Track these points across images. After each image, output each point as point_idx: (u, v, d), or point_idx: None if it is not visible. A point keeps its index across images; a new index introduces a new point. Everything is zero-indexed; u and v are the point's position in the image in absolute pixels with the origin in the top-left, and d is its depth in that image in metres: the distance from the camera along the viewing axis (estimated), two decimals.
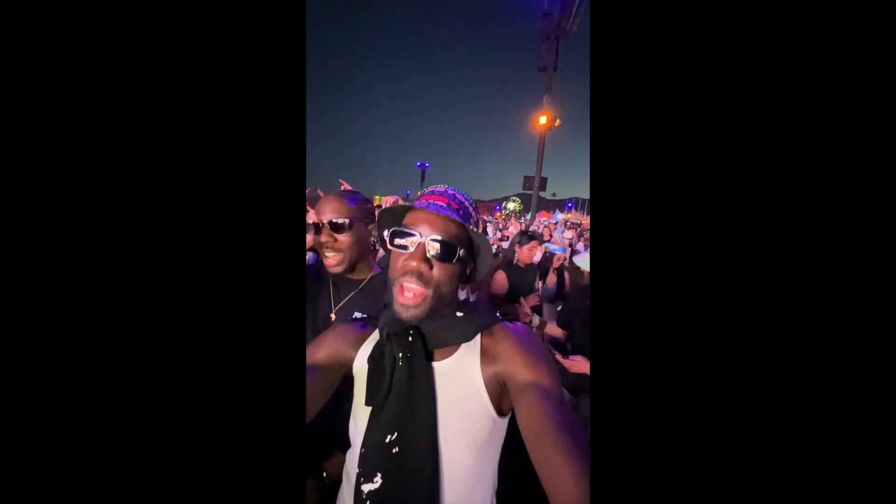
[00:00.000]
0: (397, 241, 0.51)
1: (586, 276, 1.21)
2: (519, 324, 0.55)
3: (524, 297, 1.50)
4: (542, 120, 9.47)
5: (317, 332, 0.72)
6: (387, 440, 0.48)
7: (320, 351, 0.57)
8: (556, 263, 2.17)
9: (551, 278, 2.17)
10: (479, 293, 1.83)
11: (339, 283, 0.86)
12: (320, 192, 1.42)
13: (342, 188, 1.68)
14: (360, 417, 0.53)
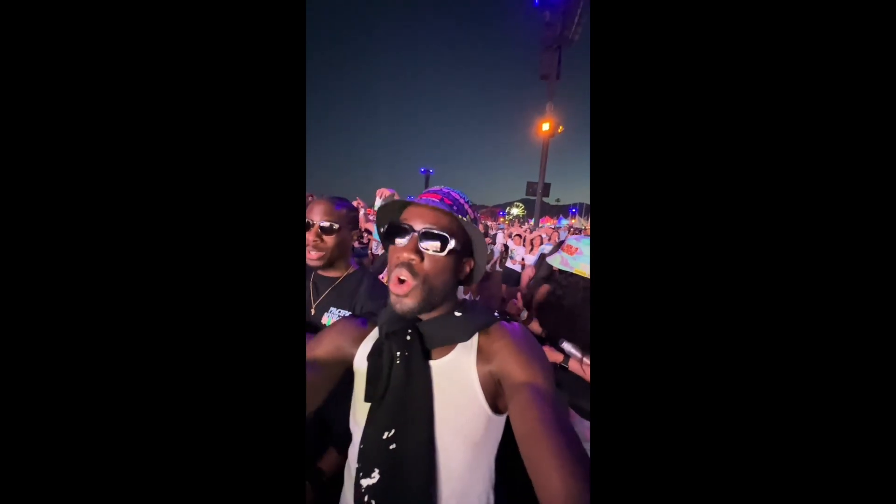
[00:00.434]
0: (392, 235, 0.53)
1: (556, 270, 1.23)
2: (516, 324, 0.56)
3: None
4: (545, 126, 9.54)
5: None
6: (384, 436, 0.49)
7: (321, 347, 0.59)
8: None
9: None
10: (482, 297, 1.83)
11: (316, 281, 0.94)
12: (309, 197, 1.50)
13: (355, 204, 1.72)
14: (359, 413, 0.54)
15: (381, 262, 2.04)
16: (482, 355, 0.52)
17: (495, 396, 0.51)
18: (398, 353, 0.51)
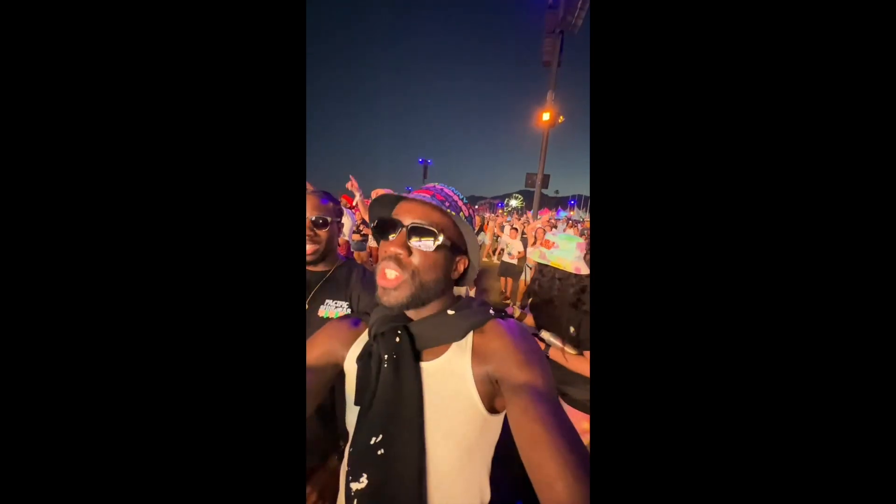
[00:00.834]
0: (382, 230, 0.52)
1: (533, 266, 1.31)
2: (512, 321, 0.54)
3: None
4: (546, 116, 9.37)
5: None
6: (372, 441, 0.48)
7: (313, 350, 0.58)
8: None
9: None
10: (477, 290, 1.86)
11: (307, 276, 0.95)
12: (309, 186, 1.48)
13: (349, 183, 1.72)
14: (350, 416, 0.54)
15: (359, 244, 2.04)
16: (477, 355, 0.50)
17: (492, 396, 0.50)
18: (386, 357, 0.50)
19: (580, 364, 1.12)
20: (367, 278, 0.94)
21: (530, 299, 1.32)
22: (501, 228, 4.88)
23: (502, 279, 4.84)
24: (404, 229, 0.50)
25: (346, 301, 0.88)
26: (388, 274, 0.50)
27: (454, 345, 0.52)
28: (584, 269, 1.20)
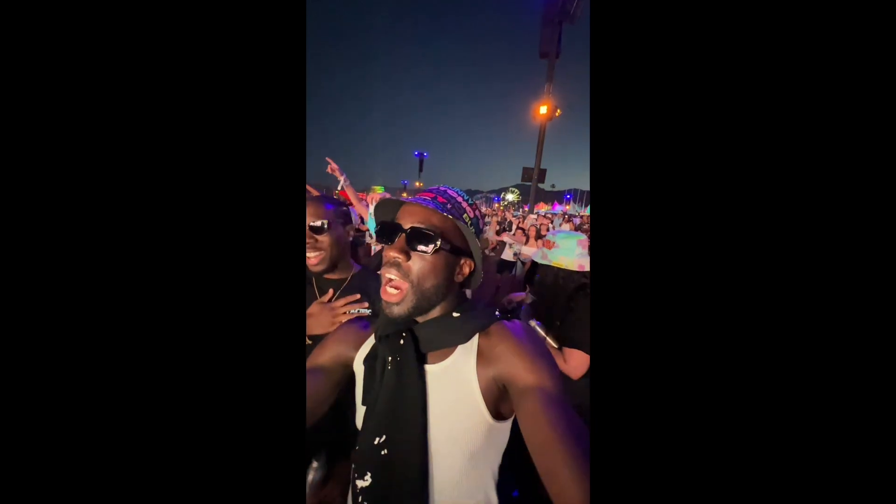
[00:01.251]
0: (383, 235, 0.51)
1: (527, 261, 1.36)
2: (517, 322, 0.52)
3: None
4: (543, 109, 9.30)
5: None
6: (375, 442, 0.48)
7: (324, 353, 0.58)
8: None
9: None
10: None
11: (320, 285, 0.90)
12: (311, 190, 1.45)
13: (329, 168, 1.67)
14: (359, 415, 0.54)
15: (378, 261, 2.01)
16: (483, 358, 0.49)
17: (498, 401, 0.49)
18: (389, 359, 0.50)
19: (557, 357, 1.14)
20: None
21: (522, 305, 1.32)
22: (508, 226, 4.86)
23: (499, 275, 4.87)
24: (404, 234, 0.49)
25: (368, 311, 0.84)
26: (389, 287, 0.49)
27: (459, 348, 0.50)
28: (588, 266, 1.18)
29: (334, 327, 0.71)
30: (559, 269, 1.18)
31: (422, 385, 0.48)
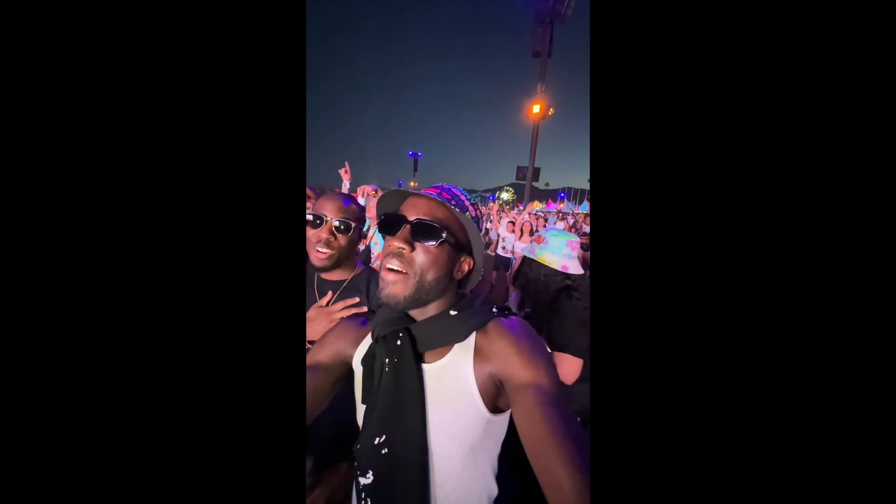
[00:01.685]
0: (387, 226, 0.51)
1: (518, 258, 1.35)
2: (514, 318, 0.53)
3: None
4: (536, 108, 9.35)
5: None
6: (376, 442, 0.49)
7: (323, 350, 0.58)
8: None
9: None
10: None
11: (321, 286, 0.87)
12: (309, 191, 1.43)
13: (343, 170, 1.63)
14: (359, 413, 0.55)
15: (366, 254, 1.99)
16: (480, 356, 0.49)
17: (495, 397, 0.50)
18: (387, 360, 0.50)
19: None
20: None
21: (512, 294, 1.31)
22: (499, 221, 4.87)
23: (494, 272, 4.88)
24: (408, 225, 0.49)
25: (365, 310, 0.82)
26: (390, 269, 0.49)
27: (456, 346, 0.51)
28: (573, 269, 1.17)
29: None
30: (543, 266, 1.17)
31: (420, 385, 0.48)
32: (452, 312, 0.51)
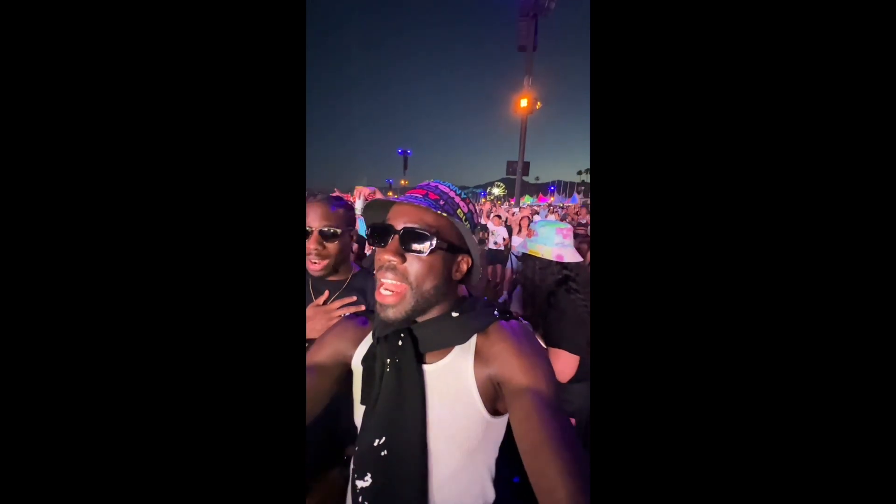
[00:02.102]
0: (375, 237, 0.50)
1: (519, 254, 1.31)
2: (514, 322, 0.53)
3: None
4: (523, 103, 9.37)
5: None
6: (375, 443, 0.48)
7: (322, 350, 0.57)
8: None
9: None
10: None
11: (318, 286, 0.87)
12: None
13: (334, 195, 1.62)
14: (358, 414, 0.54)
15: (371, 262, 1.96)
16: (480, 358, 0.49)
17: (494, 399, 0.50)
18: (388, 361, 0.49)
19: None
20: None
21: (515, 288, 1.31)
22: (487, 215, 4.89)
23: (490, 267, 4.90)
24: (396, 235, 0.48)
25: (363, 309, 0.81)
26: (385, 291, 0.48)
27: (457, 347, 0.50)
28: (568, 257, 1.14)
29: None
30: (538, 259, 1.16)
31: (420, 386, 0.48)
32: (454, 314, 0.51)
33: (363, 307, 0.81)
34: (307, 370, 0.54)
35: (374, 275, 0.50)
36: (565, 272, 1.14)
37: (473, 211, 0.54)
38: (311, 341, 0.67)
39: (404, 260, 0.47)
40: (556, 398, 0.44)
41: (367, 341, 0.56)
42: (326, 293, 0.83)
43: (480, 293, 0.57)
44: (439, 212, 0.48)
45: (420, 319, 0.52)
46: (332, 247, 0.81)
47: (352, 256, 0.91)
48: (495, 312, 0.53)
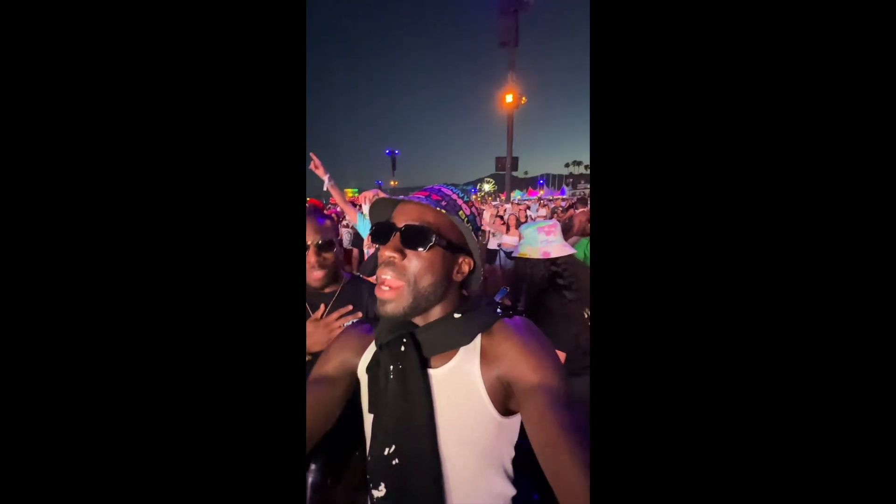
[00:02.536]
0: (378, 236, 0.50)
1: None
2: (518, 318, 0.52)
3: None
4: (509, 98, 9.42)
5: None
6: (385, 453, 0.48)
7: (328, 362, 0.56)
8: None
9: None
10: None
11: (311, 300, 0.87)
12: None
13: (311, 164, 1.61)
14: (367, 422, 0.54)
15: (373, 265, 1.94)
16: (486, 358, 0.49)
17: (505, 399, 0.49)
18: (391, 367, 0.49)
19: None
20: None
21: (500, 291, 1.34)
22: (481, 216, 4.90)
23: (487, 265, 4.91)
24: (398, 232, 0.48)
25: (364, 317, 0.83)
26: (384, 286, 0.48)
27: (462, 349, 0.50)
28: (555, 251, 1.17)
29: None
30: (527, 261, 1.20)
31: (427, 391, 0.48)
32: (456, 315, 0.50)
33: (360, 314, 0.82)
34: (315, 383, 0.54)
35: (366, 280, 0.49)
36: (553, 269, 1.17)
37: (476, 214, 0.54)
38: (316, 355, 0.67)
39: (405, 256, 0.48)
40: (567, 393, 0.43)
41: (372, 349, 0.56)
42: (323, 306, 0.84)
43: (481, 291, 0.58)
44: (440, 209, 0.48)
45: (422, 322, 0.51)
46: (329, 256, 0.85)
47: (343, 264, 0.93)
48: (498, 310, 0.53)
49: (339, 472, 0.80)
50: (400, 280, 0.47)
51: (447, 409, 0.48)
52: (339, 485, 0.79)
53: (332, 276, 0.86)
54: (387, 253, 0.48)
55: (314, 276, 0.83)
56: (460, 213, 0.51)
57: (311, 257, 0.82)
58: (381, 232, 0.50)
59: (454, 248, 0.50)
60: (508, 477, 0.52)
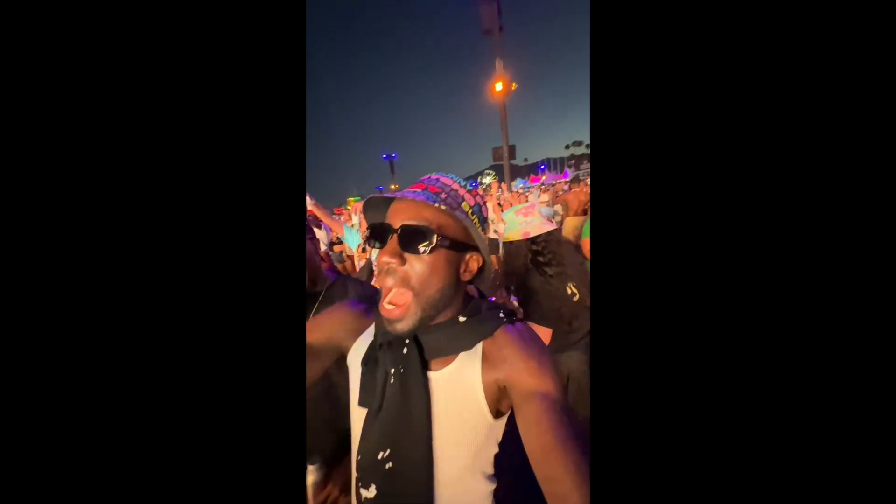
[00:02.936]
0: (373, 237, 0.48)
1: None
2: (519, 324, 0.52)
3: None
4: (499, 86, 9.28)
5: None
6: (379, 457, 0.47)
7: (316, 332, 0.54)
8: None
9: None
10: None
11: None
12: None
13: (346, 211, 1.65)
14: (355, 414, 0.52)
15: (369, 270, 1.95)
16: (487, 363, 0.48)
17: (498, 401, 0.49)
18: (392, 371, 0.48)
19: None
20: (367, 289, 0.89)
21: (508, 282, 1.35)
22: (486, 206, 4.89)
23: (493, 256, 4.90)
24: (395, 234, 0.45)
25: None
26: (388, 305, 0.46)
27: (462, 353, 0.50)
28: (534, 230, 1.19)
29: None
30: (510, 243, 1.23)
31: (427, 397, 0.47)
32: (461, 319, 0.49)
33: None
34: None
35: (353, 278, 0.48)
36: (532, 248, 1.19)
37: (481, 203, 0.50)
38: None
39: (404, 261, 0.45)
40: (563, 399, 0.43)
41: (367, 336, 0.54)
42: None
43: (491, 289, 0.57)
44: (438, 205, 0.44)
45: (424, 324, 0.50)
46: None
47: (324, 265, 0.92)
48: (501, 314, 0.51)
49: (329, 465, 0.78)
50: (404, 294, 0.45)
51: (444, 412, 0.48)
52: (330, 476, 0.78)
53: (310, 280, 0.85)
54: (384, 258, 0.44)
55: None
56: (463, 204, 0.47)
57: None
58: (377, 234, 0.47)
59: (459, 245, 0.46)
60: (491, 474, 0.52)
